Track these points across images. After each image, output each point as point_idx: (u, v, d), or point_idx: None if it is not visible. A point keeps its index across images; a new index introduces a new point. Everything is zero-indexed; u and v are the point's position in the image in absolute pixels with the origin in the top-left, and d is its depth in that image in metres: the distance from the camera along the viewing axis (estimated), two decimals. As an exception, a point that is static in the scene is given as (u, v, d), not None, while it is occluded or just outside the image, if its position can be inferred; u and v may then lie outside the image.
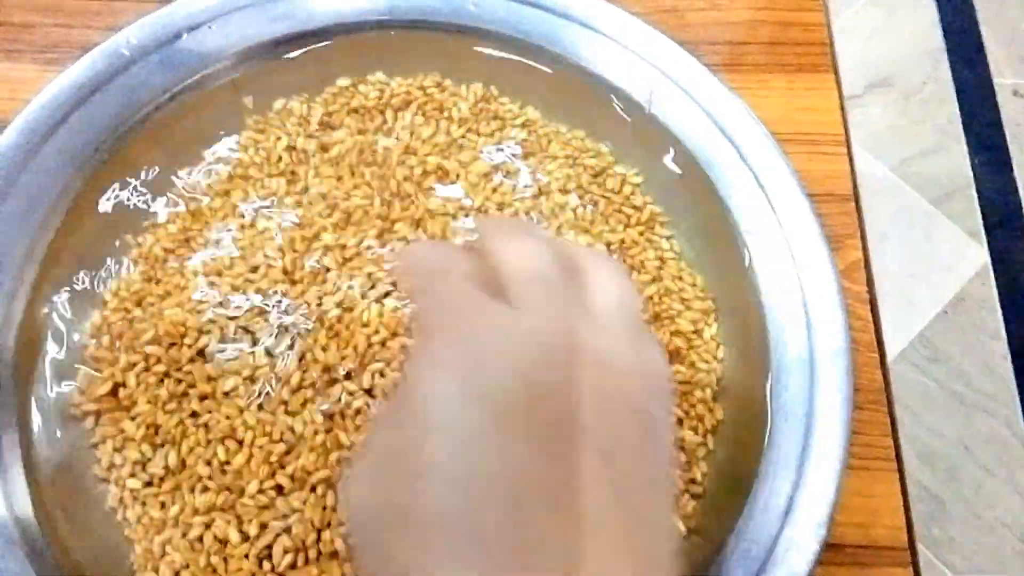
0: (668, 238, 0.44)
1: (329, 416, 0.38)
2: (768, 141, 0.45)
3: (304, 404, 0.38)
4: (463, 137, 0.46)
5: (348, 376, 0.39)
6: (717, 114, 0.45)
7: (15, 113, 0.42)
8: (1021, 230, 0.48)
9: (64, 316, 0.40)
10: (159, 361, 0.39)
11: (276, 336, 0.39)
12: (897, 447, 0.41)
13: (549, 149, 0.46)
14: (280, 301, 0.40)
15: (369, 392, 0.38)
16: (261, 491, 0.36)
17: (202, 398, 0.38)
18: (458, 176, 0.45)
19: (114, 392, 0.38)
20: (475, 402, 0.20)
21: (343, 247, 0.42)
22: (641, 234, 0.44)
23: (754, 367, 0.40)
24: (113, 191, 0.43)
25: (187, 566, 0.35)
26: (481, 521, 0.19)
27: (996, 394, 0.43)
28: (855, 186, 0.47)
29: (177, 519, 0.36)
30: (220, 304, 0.40)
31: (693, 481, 0.38)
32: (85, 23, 0.48)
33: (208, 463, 0.37)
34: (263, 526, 0.36)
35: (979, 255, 0.48)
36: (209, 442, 0.37)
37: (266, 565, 0.35)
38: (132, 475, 0.37)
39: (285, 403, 0.38)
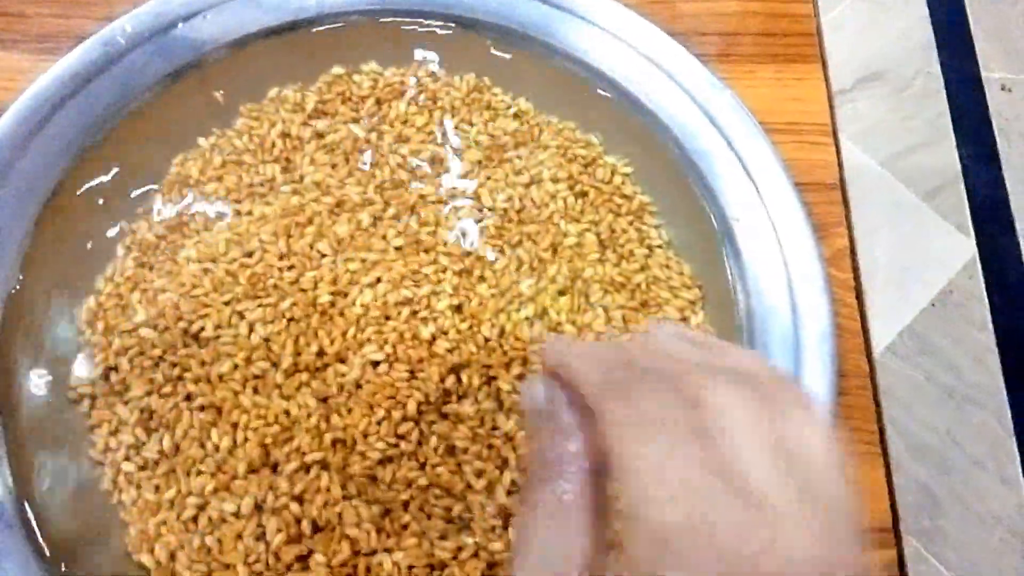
0: (657, 227, 0.45)
1: (323, 399, 0.38)
2: (756, 130, 0.46)
3: (298, 387, 0.38)
4: (456, 127, 0.46)
5: (342, 360, 0.39)
6: (707, 104, 0.46)
7: (10, 102, 0.43)
8: (1009, 223, 0.49)
9: (59, 302, 0.41)
10: (153, 345, 0.39)
11: (270, 321, 0.40)
12: (882, 432, 0.42)
13: (540, 139, 0.47)
14: (275, 286, 0.41)
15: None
16: (255, 472, 0.37)
17: (196, 382, 0.39)
18: (452, 164, 0.45)
19: (107, 376, 0.39)
20: None
21: (337, 233, 0.42)
22: (630, 223, 0.44)
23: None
24: (107, 178, 0.44)
25: (181, 547, 0.36)
26: None
27: (985, 386, 0.44)
28: (842, 175, 0.48)
29: (172, 501, 0.37)
30: (214, 289, 0.40)
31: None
32: (80, 12, 0.48)
33: (202, 446, 0.37)
34: (257, 507, 0.36)
35: (967, 248, 0.48)
36: (203, 425, 0.38)
37: (260, 545, 0.35)
38: (127, 458, 0.37)
39: (279, 386, 0.38)
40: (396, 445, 0.37)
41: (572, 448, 0.23)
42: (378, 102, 0.47)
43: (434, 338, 0.40)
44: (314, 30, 0.48)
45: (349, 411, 0.38)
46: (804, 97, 0.49)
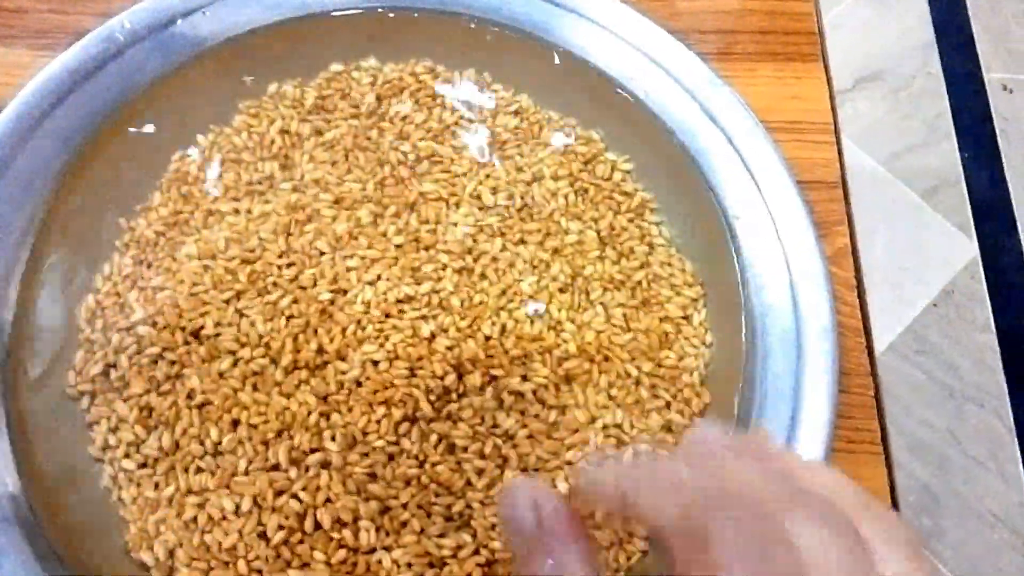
0: (658, 224, 0.45)
1: (323, 397, 0.38)
2: (757, 129, 0.45)
3: (298, 385, 0.38)
4: (456, 124, 0.46)
5: (342, 357, 0.39)
6: (707, 102, 0.46)
7: (9, 97, 0.43)
8: (1010, 223, 0.49)
9: (58, 298, 0.40)
10: (153, 343, 0.39)
11: (270, 318, 0.40)
12: (884, 430, 0.42)
13: (541, 136, 0.46)
14: (275, 283, 0.40)
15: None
16: (255, 470, 0.37)
17: (196, 379, 0.38)
18: (452, 161, 0.45)
19: (106, 373, 0.39)
20: None
21: (336, 230, 0.42)
22: (631, 220, 0.44)
23: (742, 351, 0.41)
24: (106, 175, 0.43)
25: (181, 545, 0.35)
26: None
27: (986, 386, 0.44)
28: (843, 174, 0.47)
29: (171, 499, 0.36)
30: (214, 286, 0.40)
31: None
32: (79, 8, 0.48)
33: (202, 443, 0.37)
34: (257, 505, 0.36)
35: (968, 248, 0.48)
36: (203, 423, 0.37)
37: (260, 542, 0.35)
38: (126, 456, 0.37)
39: (279, 384, 0.38)
40: (396, 443, 0.37)
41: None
42: (378, 98, 0.47)
43: (434, 336, 0.40)
44: (313, 26, 0.47)
45: (349, 409, 0.38)
46: (805, 95, 0.49)
